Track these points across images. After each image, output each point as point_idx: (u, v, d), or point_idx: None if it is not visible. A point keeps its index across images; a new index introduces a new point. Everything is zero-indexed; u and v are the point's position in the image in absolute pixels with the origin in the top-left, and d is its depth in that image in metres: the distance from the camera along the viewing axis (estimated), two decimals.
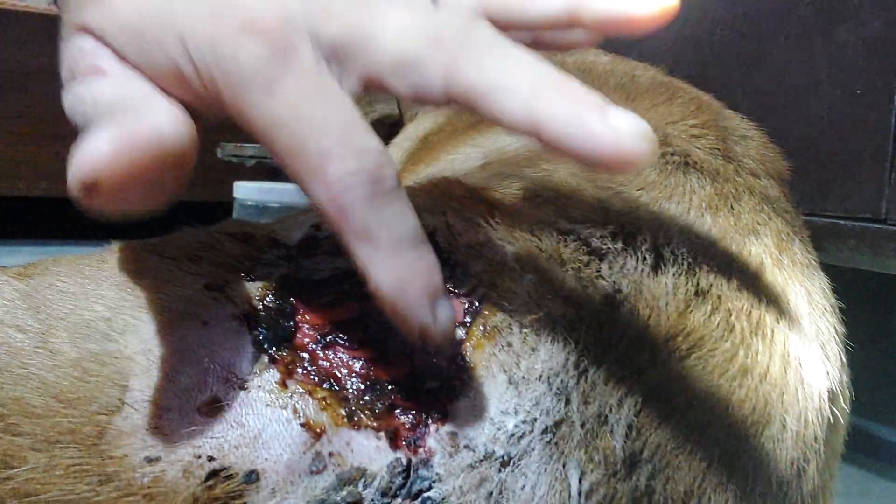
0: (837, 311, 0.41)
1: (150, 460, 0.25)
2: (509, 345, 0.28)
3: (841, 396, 0.38)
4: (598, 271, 0.31)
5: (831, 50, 0.80)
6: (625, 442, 0.27)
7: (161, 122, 0.24)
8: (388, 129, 0.84)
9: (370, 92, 0.27)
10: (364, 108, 0.86)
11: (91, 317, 0.28)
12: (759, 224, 0.39)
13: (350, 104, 0.25)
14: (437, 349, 0.25)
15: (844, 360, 0.40)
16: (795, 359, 0.34)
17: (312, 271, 0.30)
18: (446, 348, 0.25)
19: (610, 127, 0.23)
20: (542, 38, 0.31)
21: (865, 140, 0.78)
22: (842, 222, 0.80)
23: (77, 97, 0.26)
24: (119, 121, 0.24)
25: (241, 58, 0.25)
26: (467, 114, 0.58)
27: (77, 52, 0.27)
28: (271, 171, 2.45)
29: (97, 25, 0.27)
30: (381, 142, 0.25)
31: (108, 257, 0.31)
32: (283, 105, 0.24)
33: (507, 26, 0.27)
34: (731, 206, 0.38)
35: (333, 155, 0.24)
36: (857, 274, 0.75)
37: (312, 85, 0.25)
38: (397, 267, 0.24)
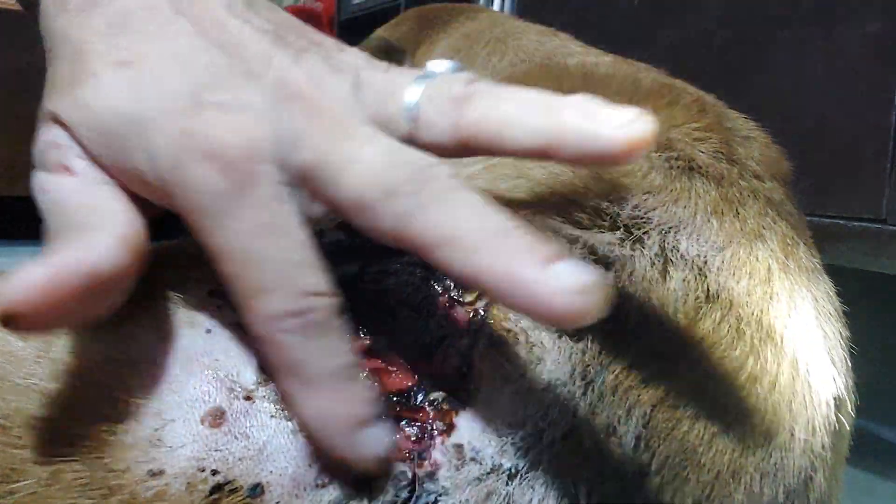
0: (842, 315, 0.40)
1: (153, 473, 0.24)
2: (515, 355, 0.27)
3: (847, 402, 0.38)
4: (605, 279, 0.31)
5: (831, 50, 0.80)
6: (633, 454, 0.27)
7: (101, 253, 0.25)
8: None
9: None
10: None
11: (93, 325, 0.28)
12: (764, 228, 0.38)
13: (301, 242, 0.25)
14: (364, 476, 0.25)
15: (849, 364, 0.40)
16: (804, 366, 0.34)
17: None
18: (377, 474, 0.25)
19: (548, 283, 0.23)
20: None
21: (865, 140, 0.78)
22: (842, 222, 0.80)
23: (42, 186, 0.27)
24: (61, 248, 0.25)
25: (199, 186, 0.25)
26: None
27: (50, 143, 0.28)
28: None
29: (69, 120, 0.27)
30: (328, 281, 0.25)
31: None
32: (231, 237, 0.25)
33: (485, 152, 0.28)
34: (737, 211, 0.38)
35: (265, 291, 0.25)
36: (857, 274, 0.75)
37: (264, 220, 0.25)
38: (319, 402, 0.24)
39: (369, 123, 0.28)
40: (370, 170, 0.26)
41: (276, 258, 0.25)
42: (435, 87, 0.28)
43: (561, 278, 0.23)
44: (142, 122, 0.26)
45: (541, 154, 0.27)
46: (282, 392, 0.25)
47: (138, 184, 0.27)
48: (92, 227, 0.25)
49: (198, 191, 0.25)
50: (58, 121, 0.28)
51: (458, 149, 0.28)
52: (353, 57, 0.30)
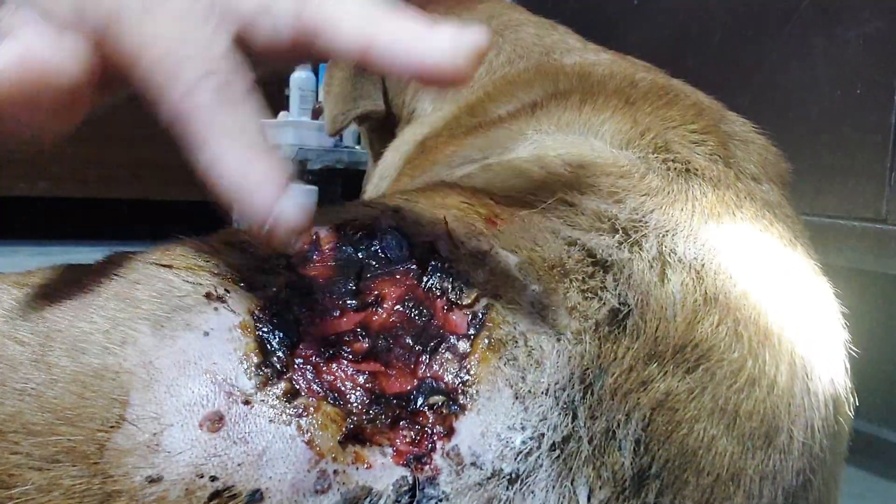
0: (840, 316, 0.40)
1: (151, 480, 0.24)
2: (514, 358, 0.27)
3: (846, 403, 0.37)
4: (603, 283, 0.30)
5: (831, 50, 0.80)
6: (633, 458, 0.27)
7: (52, 51, 0.27)
8: (377, 123, 0.83)
9: (242, 51, 0.29)
10: (348, 105, 0.86)
11: (90, 329, 0.28)
12: (761, 230, 0.38)
13: (214, 29, 0.28)
14: (281, 241, 0.26)
15: (847, 365, 0.40)
16: (802, 368, 0.34)
17: (313, 279, 0.29)
18: (290, 240, 0.26)
19: (430, 40, 0.26)
20: None
21: (865, 140, 0.78)
22: (842, 222, 0.80)
23: None
24: (15, 43, 0.27)
25: None
26: (465, 118, 0.58)
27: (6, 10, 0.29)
28: None
29: None
30: (237, 60, 0.27)
31: (107, 267, 0.31)
32: (152, 26, 0.27)
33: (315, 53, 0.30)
34: (734, 213, 0.38)
35: (187, 61, 0.26)
36: (857, 274, 0.75)
37: (180, 11, 0.27)
38: (240, 160, 0.26)
39: None
40: None
41: (193, 36, 0.27)
42: None
43: (443, 36, 0.26)
44: None
45: (360, 56, 0.29)
46: (202, 165, 0.26)
47: (72, 21, 0.28)
48: (50, 42, 0.27)
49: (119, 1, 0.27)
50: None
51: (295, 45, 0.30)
52: None
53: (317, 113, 2.37)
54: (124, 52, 0.27)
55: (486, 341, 0.28)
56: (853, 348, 0.40)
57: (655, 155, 0.40)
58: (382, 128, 0.82)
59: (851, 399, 0.39)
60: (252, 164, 0.26)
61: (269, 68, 0.33)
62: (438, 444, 0.25)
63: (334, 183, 2.23)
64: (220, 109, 0.26)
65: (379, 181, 0.79)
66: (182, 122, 0.26)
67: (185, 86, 0.26)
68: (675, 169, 0.39)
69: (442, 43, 0.26)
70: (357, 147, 2.30)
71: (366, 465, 0.25)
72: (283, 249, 0.28)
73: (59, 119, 0.28)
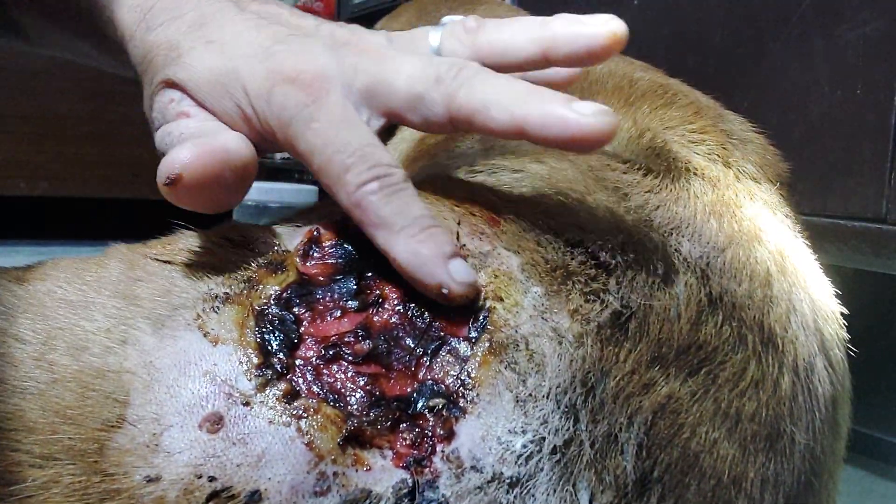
0: (840, 316, 0.40)
1: (150, 480, 0.24)
2: (515, 361, 0.27)
3: (846, 404, 0.37)
4: (606, 285, 0.30)
5: (831, 50, 0.79)
6: (636, 462, 0.27)
7: (229, 141, 0.33)
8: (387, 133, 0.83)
9: (393, 124, 0.34)
10: None
11: (91, 327, 0.28)
12: (760, 230, 0.38)
13: (368, 132, 0.33)
14: (457, 303, 0.29)
15: (847, 366, 0.40)
16: (804, 370, 0.33)
17: (313, 278, 0.29)
18: (464, 301, 0.29)
19: (575, 112, 0.30)
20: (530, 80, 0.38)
21: (865, 140, 0.78)
22: (842, 222, 0.80)
23: (166, 132, 0.35)
24: (198, 140, 0.32)
25: (287, 103, 0.33)
26: None
27: (167, 101, 0.36)
28: (271, 171, 2.46)
29: (180, 80, 0.35)
30: (392, 157, 0.32)
31: (107, 262, 0.31)
32: (317, 134, 0.32)
33: (498, 69, 0.34)
34: (734, 213, 0.38)
35: (351, 166, 0.31)
36: (857, 274, 0.75)
37: (338, 119, 0.32)
38: (409, 242, 0.29)
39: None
40: (416, 70, 0.33)
41: (354, 142, 0.31)
42: (452, 27, 0.37)
43: (585, 108, 0.30)
44: (234, 70, 0.34)
45: (543, 55, 0.34)
46: (381, 250, 0.30)
47: (240, 121, 0.34)
48: (220, 133, 0.33)
49: (285, 106, 0.33)
50: (170, 83, 0.35)
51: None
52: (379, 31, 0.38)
53: None
54: (296, 153, 0.33)
55: (487, 344, 0.27)
56: (853, 348, 0.40)
57: (655, 154, 0.40)
58: (389, 135, 0.82)
59: (851, 399, 0.39)
60: (420, 242, 0.29)
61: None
62: (438, 447, 0.25)
63: None
64: (383, 202, 0.30)
65: None
66: (353, 216, 0.31)
67: (351, 187, 0.31)
68: (676, 168, 0.39)
69: (587, 117, 0.30)
70: None
71: (365, 468, 0.25)
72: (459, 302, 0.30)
73: (234, 194, 0.33)
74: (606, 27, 0.33)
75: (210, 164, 0.31)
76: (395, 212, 0.30)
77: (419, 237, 0.29)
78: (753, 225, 0.38)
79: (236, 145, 0.33)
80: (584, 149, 0.31)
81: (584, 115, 0.30)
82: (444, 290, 0.28)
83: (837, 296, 0.41)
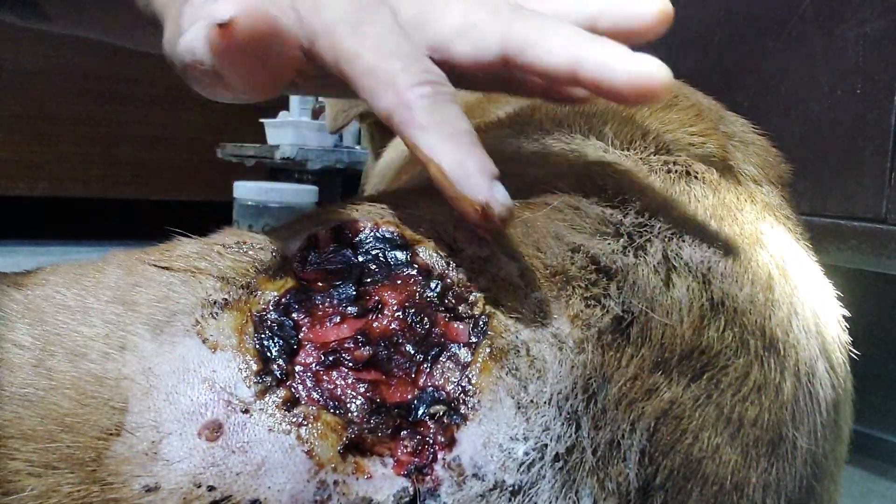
0: (841, 318, 0.40)
1: (149, 489, 0.24)
2: (516, 368, 0.27)
3: (847, 407, 0.37)
4: (607, 290, 0.30)
5: (831, 50, 0.79)
6: (638, 469, 0.27)
7: (270, 8, 0.29)
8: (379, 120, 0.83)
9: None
10: (350, 102, 0.85)
11: (89, 333, 0.28)
12: (762, 233, 0.38)
13: (418, 46, 0.32)
14: (495, 230, 0.29)
15: (848, 368, 0.39)
16: (805, 373, 0.33)
17: (312, 284, 0.29)
18: (502, 229, 0.29)
19: (635, 62, 0.30)
20: (550, 90, 0.38)
21: (865, 140, 0.78)
22: (842, 222, 0.80)
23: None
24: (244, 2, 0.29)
25: (337, 5, 0.31)
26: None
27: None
28: (271, 171, 2.46)
29: None
30: (440, 71, 0.31)
31: (106, 268, 0.31)
32: (367, 36, 0.31)
33: (524, 69, 0.33)
34: (735, 216, 0.38)
35: (405, 68, 0.30)
36: (857, 274, 0.75)
37: (388, 27, 0.31)
38: (457, 151, 0.29)
39: None
40: (470, 4, 0.33)
41: (406, 48, 0.31)
42: None
43: (644, 58, 0.30)
44: None
45: (569, 71, 0.32)
46: (421, 155, 0.30)
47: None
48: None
49: (335, 11, 0.31)
50: None
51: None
52: None
53: (317, 113, 2.37)
54: (338, 55, 0.31)
55: (488, 350, 0.27)
56: (853, 349, 0.40)
57: (656, 157, 0.40)
58: (384, 125, 0.82)
59: (852, 402, 0.39)
60: (468, 154, 0.29)
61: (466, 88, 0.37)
62: (440, 455, 0.25)
63: (334, 183, 2.23)
64: (433, 108, 0.29)
65: (379, 180, 0.79)
66: (398, 118, 0.30)
67: (404, 86, 0.30)
68: (676, 171, 0.39)
69: (647, 66, 0.30)
70: (357, 147, 2.30)
71: (366, 476, 0.25)
72: (492, 235, 0.30)
73: (273, 78, 0.30)
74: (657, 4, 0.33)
75: (261, 23, 0.28)
76: (446, 119, 0.29)
77: (467, 149, 0.29)
78: (754, 228, 0.38)
79: (285, 23, 0.30)
80: (636, 100, 0.30)
81: (644, 64, 0.30)
82: (486, 207, 0.28)
83: (837, 297, 0.41)
